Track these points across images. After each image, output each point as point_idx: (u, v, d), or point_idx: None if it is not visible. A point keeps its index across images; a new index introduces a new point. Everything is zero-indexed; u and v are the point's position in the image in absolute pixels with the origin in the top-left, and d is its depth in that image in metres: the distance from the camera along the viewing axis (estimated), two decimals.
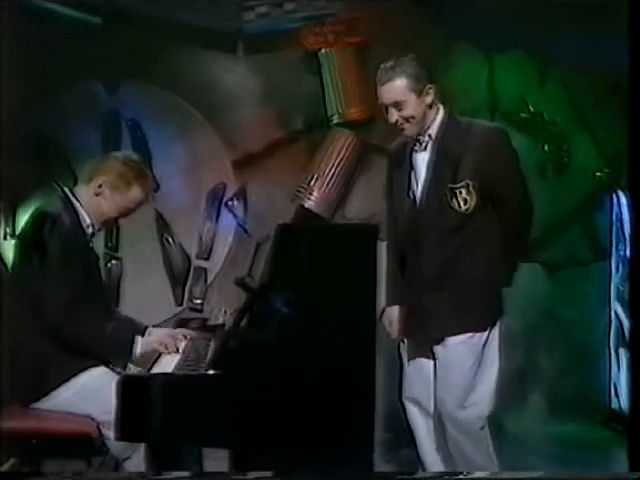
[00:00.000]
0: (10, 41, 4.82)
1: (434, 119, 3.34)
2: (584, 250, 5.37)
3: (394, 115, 3.29)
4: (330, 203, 5.30)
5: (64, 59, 4.99)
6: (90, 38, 5.09)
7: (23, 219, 4.98)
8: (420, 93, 3.27)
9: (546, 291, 5.32)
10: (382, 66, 3.31)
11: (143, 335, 3.25)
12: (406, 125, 3.30)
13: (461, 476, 3.32)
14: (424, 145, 3.34)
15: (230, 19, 5.31)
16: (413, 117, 3.28)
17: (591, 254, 5.36)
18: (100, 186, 3.25)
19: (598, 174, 5.33)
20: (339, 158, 5.28)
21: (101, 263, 3.45)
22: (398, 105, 3.26)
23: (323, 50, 5.30)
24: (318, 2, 5.31)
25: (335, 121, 5.33)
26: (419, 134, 3.34)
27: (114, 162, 3.31)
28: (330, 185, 5.28)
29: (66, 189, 3.33)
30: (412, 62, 3.29)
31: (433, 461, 3.44)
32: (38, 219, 3.22)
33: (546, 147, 5.35)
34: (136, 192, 3.27)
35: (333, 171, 5.28)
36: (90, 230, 3.29)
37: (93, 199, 3.27)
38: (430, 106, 3.31)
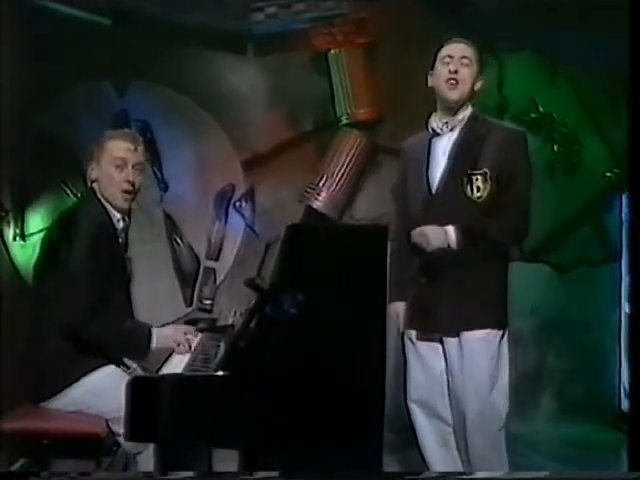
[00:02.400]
0: (20, 42, 4.85)
1: (465, 110, 3.38)
2: (594, 251, 5.36)
3: (457, 66, 3.33)
4: (338, 204, 5.30)
5: (74, 60, 5.01)
6: (99, 39, 5.11)
7: (44, 220, 5.05)
8: (479, 72, 3.38)
9: (556, 292, 5.31)
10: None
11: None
12: (459, 86, 3.33)
13: (465, 476, 3.31)
14: (450, 127, 3.36)
15: (239, 20, 5.32)
16: (466, 83, 3.33)
17: (601, 255, 5.35)
18: (93, 169, 3.30)
19: (608, 174, 5.32)
20: (348, 159, 5.28)
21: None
22: (464, 60, 3.34)
23: (332, 50, 5.31)
24: (327, 3, 5.31)
25: (344, 121, 5.33)
26: (450, 115, 3.37)
27: (91, 149, 3.35)
28: (338, 186, 5.28)
29: (92, 190, 3.35)
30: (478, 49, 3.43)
31: (438, 462, 3.43)
32: (64, 219, 3.27)
33: (556, 147, 5.34)
34: (111, 144, 3.31)
35: (342, 172, 5.28)
36: (121, 225, 3.31)
37: (100, 187, 3.29)
38: (475, 93, 3.38)
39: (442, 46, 3.41)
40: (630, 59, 3.41)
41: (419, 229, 3.29)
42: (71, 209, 3.41)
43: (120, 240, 3.33)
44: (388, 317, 3.39)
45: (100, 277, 3.11)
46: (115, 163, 3.27)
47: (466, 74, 3.34)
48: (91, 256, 3.10)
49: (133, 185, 3.28)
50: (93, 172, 3.31)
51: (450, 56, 3.36)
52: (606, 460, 4.49)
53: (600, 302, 5.28)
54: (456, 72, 3.33)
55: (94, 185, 3.32)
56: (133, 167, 3.29)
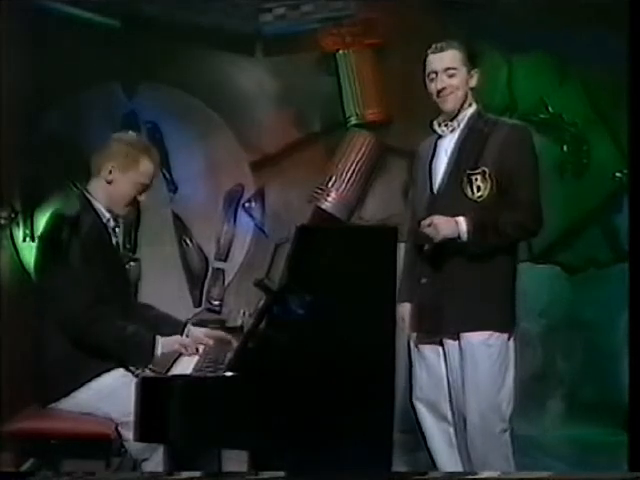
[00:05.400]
0: (30, 43, 4.86)
1: (467, 110, 3.37)
2: (604, 252, 5.34)
3: (443, 82, 3.31)
4: (347, 204, 5.30)
5: (83, 61, 5.02)
6: (109, 41, 5.12)
7: (42, 222, 5.05)
8: (468, 71, 3.34)
9: (566, 293, 5.29)
10: (432, 45, 3.37)
11: (182, 333, 3.33)
12: (450, 97, 3.32)
13: (471, 476, 3.30)
14: (450, 129, 3.36)
15: (248, 21, 5.33)
16: (459, 89, 3.32)
17: (611, 256, 5.33)
18: (110, 172, 3.25)
19: (617, 175, 5.30)
20: (357, 159, 5.28)
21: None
22: (449, 71, 3.31)
23: (341, 51, 5.31)
24: (335, 3, 5.31)
25: (353, 122, 5.33)
26: (451, 118, 3.36)
27: (116, 145, 3.30)
28: (347, 186, 5.28)
29: (81, 187, 3.32)
30: (462, 44, 3.36)
31: (446, 462, 3.43)
32: (56, 221, 3.22)
33: (565, 148, 5.33)
34: (146, 165, 3.27)
35: (351, 172, 5.28)
36: (112, 224, 3.29)
37: (108, 188, 3.26)
38: (472, 90, 3.37)
39: (426, 56, 3.38)
40: (630, 58, 3.38)
41: (428, 219, 3.22)
42: (61, 209, 3.31)
43: (114, 239, 3.30)
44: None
45: (95, 278, 3.10)
46: (137, 187, 3.27)
47: (455, 83, 3.32)
48: (84, 256, 3.09)
49: (141, 193, 3.31)
50: (110, 175, 3.25)
51: (434, 72, 3.33)
52: (615, 462, 4.47)
53: (610, 303, 5.25)
54: (444, 88, 3.31)
55: (98, 181, 3.27)
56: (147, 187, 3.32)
